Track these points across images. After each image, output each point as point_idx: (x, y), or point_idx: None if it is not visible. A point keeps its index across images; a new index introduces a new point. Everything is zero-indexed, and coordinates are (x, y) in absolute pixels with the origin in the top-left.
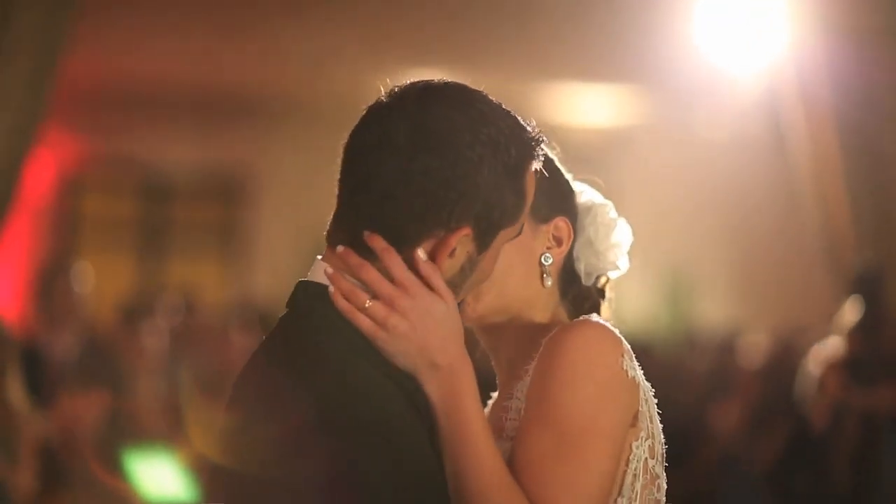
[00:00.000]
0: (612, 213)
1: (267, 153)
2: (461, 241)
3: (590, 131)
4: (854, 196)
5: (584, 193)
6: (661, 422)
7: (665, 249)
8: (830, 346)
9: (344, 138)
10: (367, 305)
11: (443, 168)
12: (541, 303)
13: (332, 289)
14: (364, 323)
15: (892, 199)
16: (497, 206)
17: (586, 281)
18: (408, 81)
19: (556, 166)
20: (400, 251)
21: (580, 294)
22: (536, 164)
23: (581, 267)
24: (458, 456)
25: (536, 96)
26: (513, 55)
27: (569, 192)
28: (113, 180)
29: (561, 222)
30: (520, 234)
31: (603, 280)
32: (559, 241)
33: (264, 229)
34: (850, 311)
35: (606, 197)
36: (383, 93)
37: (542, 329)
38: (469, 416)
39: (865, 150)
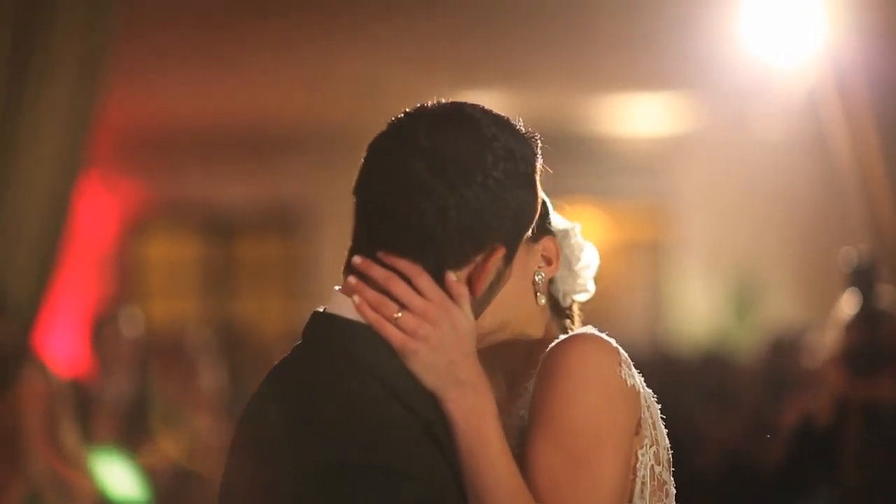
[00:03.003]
0: (580, 237)
1: (323, 184)
2: (496, 262)
3: (644, 141)
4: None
5: (553, 216)
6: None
7: (729, 254)
8: (829, 340)
9: None
10: (397, 316)
11: (476, 195)
12: (536, 320)
13: (356, 299)
14: (394, 334)
15: None
16: (522, 216)
17: (563, 303)
18: (400, 114)
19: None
20: (436, 281)
21: (563, 314)
22: (540, 163)
23: (559, 288)
24: (479, 476)
25: (589, 110)
26: (562, 72)
27: (549, 213)
28: (175, 222)
29: (549, 242)
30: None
31: (570, 301)
32: (549, 261)
33: (325, 261)
34: (847, 305)
35: (666, 205)
36: (384, 127)
37: (538, 345)
38: (492, 436)
39: None
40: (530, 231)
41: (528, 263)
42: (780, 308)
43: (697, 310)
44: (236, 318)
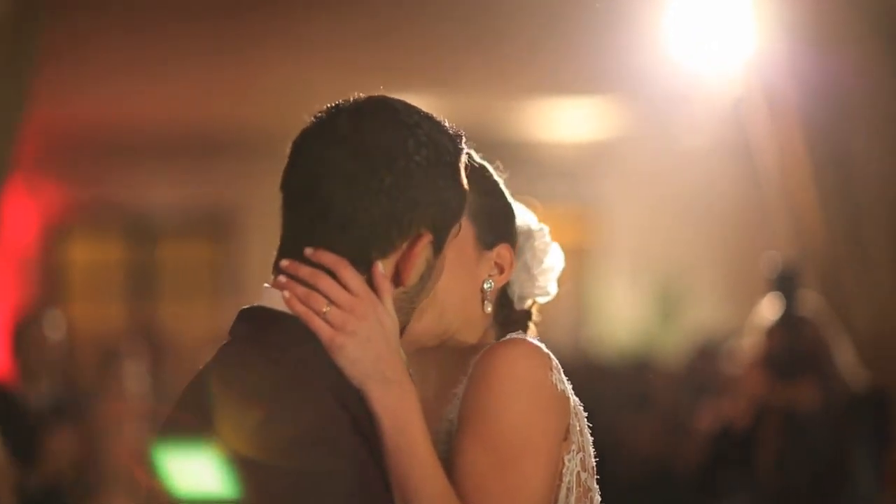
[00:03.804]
0: (547, 238)
1: (249, 188)
2: (423, 249)
3: (569, 146)
4: (823, 199)
5: (521, 216)
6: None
7: (654, 259)
8: (749, 345)
9: None
10: (325, 310)
11: (398, 180)
12: (475, 326)
13: (286, 294)
14: (322, 328)
15: (860, 201)
16: (448, 206)
17: (518, 305)
18: (325, 107)
19: (501, 190)
20: (363, 272)
21: (510, 317)
22: (465, 157)
23: (515, 290)
24: (405, 475)
25: (514, 115)
26: (488, 76)
27: (512, 218)
28: (98, 225)
29: (504, 250)
30: (459, 230)
31: (529, 303)
32: (501, 269)
33: (251, 265)
34: (768, 310)
35: (591, 210)
36: (307, 123)
37: (470, 351)
38: (418, 435)
39: (833, 153)
40: (487, 236)
41: (479, 269)
42: (705, 313)
43: (621, 315)
44: (160, 323)
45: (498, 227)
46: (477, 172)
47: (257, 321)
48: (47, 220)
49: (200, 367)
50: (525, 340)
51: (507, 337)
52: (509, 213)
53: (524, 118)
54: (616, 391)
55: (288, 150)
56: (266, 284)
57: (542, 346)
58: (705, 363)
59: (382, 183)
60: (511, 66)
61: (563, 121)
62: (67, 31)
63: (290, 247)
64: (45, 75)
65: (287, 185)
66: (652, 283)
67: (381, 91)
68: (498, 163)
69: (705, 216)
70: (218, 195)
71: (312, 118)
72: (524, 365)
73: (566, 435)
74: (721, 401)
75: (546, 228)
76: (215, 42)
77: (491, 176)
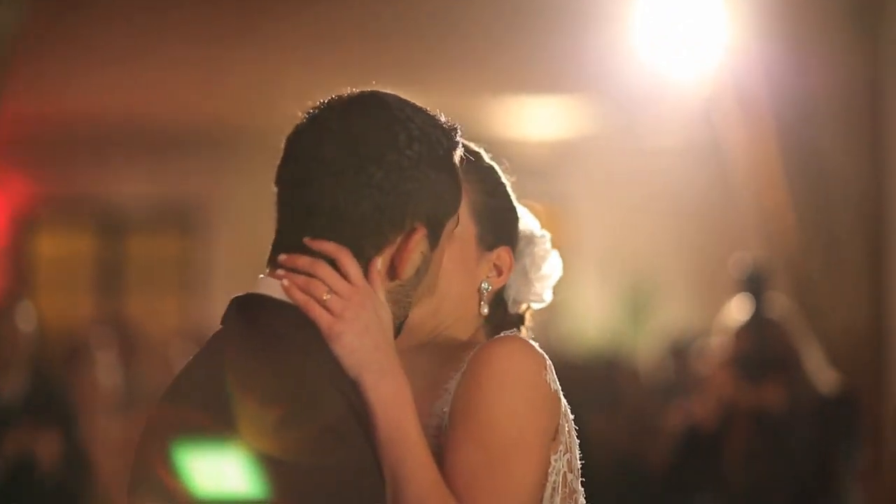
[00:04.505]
0: (548, 245)
1: (219, 183)
2: (417, 242)
3: (538, 144)
4: (794, 199)
5: (524, 220)
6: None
7: (623, 259)
8: (717, 345)
9: None
10: (325, 298)
11: (388, 174)
12: (468, 325)
13: (285, 282)
14: (321, 315)
15: (831, 200)
16: (442, 198)
17: (512, 308)
18: (318, 102)
19: (507, 192)
20: (360, 265)
21: (503, 319)
22: (460, 152)
23: (510, 293)
24: (397, 466)
25: (482, 113)
26: (455, 73)
27: (515, 221)
28: (67, 218)
29: (504, 253)
30: (457, 225)
31: (524, 307)
32: (499, 271)
33: (219, 259)
34: (737, 311)
35: (558, 209)
36: (300, 118)
37: (461, 348)
38: (410, 427)
39: (804, 152)
40: (489, 237)
41: (478, 270)
42: (674, 313)
43: (590, 314)
44: (128, 316)
45: (500, 229)
46: (484, 172)
47: (253, 308)
48: (15, 212)
49: (173, 358)
50: (520, 339)
51: (503, 335)
52: (513, 216)
53: (493, 116)
54: (585, 390)
55: (261, 154)
56: (261, 275)
57: (536, 345)
58: (675, 362)
59: (372, 177)
60: (479, 64)
61: (531, 119)
62: (40, 21)
63: (286, 241)
64: (15, 68)
65: (280, 180)
66: (621, 283)
67: (349, 88)
68: (506, 163)
69: (675, 215)
70: (187, 189)
71: (306, 113)
72: (519, 363)
73: (555, 435)
74: (689, 400)
75: (548, 235)
76: (185, 37)
77: (499, 177)
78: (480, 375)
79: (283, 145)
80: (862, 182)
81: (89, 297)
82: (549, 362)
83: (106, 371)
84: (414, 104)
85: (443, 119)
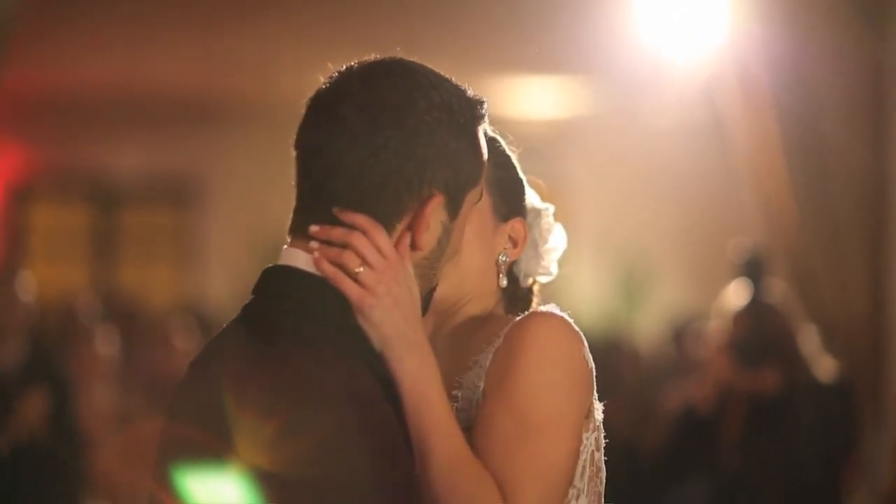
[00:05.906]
0: (552, 218)
1: (216, 157)
2: (435, 211)
3: (535, 123)
4: (795, 183)
5: (528, 195)
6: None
7: (620, 240)
8: (714, 329)
9: (293, 139)
10: (358, 271)
11: (405, 138)
12: (488, 298)
13: (316, 254)
14: (352, 288)
15: (832, 185)
16: (462, 168)
17: (523, 282)
18: (343, 66)
19: (514, 164)
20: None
21: (515, 294)
22: (484, 124)
23: (521, 268)
24: (424, 437)
25: (483, 91)
26: (456, 51)
27: (523, 192)
28: (62, 189)
29: (518, 224)
30: (480, 198)
31: (530, 282)
32: (515, 243)
33: (215, 233)
34: (735, 295)
35: (556, 189)
36: (323, 82)
37: (481, 322)
38: (436, 399)
39: (805, 136)
40: (503, 208)
41: (495, 242)
42: (671, 295)
43: (586, 295)
44: (122, 288)
45: (512, 200)
46: (490, 144)
47: (282, 281)
48: (10, 182)
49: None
50: (558, 315)
51: (540, 309)
52: (521, 188)
53: (491, 95)
54: None
55: (259, 130)
56: (285, 246)
57: (572, 321)
58: (673, 344)
59: (389, 141)
60: (478, 43)
61: (530, 98)
62: None
63: (307, 207)
64: (14, 41)
65: (300, 143)
66: (618, 264)
67: (344, 63)
68: (510, 136)
69: (673, 198)
70: (182, 162)
71: (329, 77)
72: (559, 339)
73: (588, 412)
74: (686, 382)
75: (552, 208)
76: (184, 10)
77: (504, 149)
78: (520, 350)
79: (303, 109)
80: (864, 167)
81: (84, 268)
82: (584, 338)
83: (102, 340)
84: (439, 73)
85: (469, 92)
